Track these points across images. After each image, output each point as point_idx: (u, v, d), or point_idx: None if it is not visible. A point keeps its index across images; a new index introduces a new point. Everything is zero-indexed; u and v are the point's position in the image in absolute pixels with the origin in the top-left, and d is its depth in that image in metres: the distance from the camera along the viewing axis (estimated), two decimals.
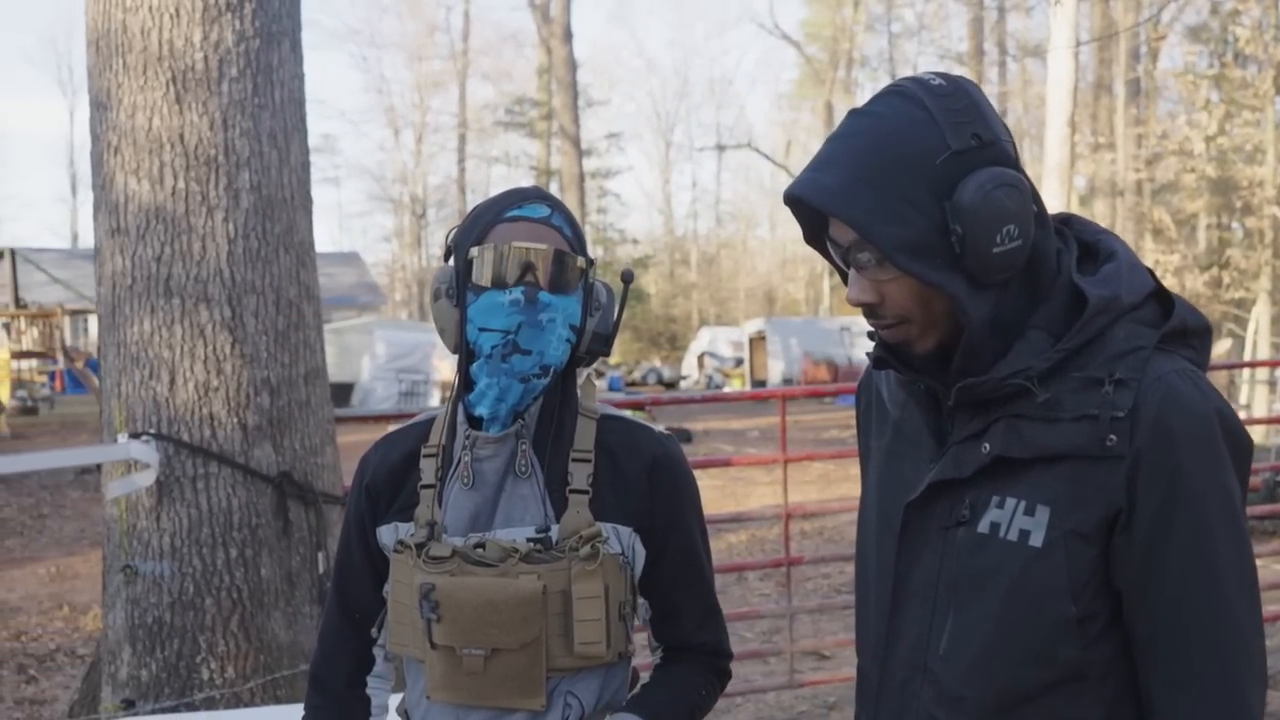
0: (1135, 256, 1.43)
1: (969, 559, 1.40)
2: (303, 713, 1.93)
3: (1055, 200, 12.22)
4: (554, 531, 1.70)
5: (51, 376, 28.75)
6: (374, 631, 1.89)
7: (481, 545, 1.69)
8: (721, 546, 9.30)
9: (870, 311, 1.41)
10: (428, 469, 1.77)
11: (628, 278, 1.90)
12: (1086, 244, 1.45)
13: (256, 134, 4.30)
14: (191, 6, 4.19)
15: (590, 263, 1.76)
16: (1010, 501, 1.37)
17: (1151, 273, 1.42)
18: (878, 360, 1.51)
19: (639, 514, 1.75)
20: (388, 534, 1.81)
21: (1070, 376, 1.35)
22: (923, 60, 46.63)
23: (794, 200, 1.40)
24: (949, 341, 1.40)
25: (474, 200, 54.11)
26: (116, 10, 4.23)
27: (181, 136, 4.21)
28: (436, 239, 55.49)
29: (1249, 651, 1.35)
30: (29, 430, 20.12)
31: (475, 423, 1.75)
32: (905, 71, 47.28)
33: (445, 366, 26.18)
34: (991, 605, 1.38)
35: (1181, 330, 1.41)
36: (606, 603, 1.70)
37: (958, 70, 41.87)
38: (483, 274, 1.69)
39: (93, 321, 35.54)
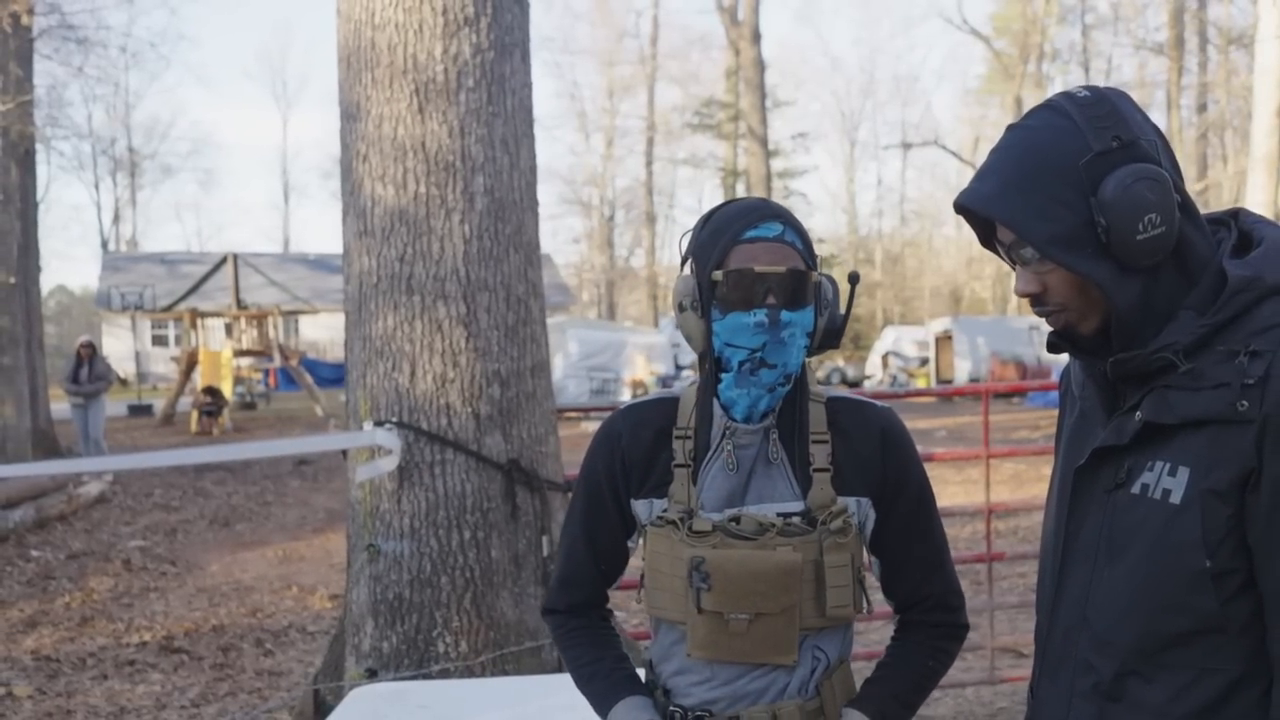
0: None
1: (1122, 518, 1.55)
2: (557, 631, 2.11)
3: (1262, 193, 11.70)
4: (802, 507, 1.88)
5: (265, 374, 30.22)
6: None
7: (737, 520, 1.87)
8: None
9: (1035, 300, 1.59)
10: (680, 449, 1.93)
11: (854, 279, 2.06)
12: (1245, 233, 1.58)
13: (490, 140, 4.56)
14: (433, 22, 4.48)
15: (816, 268, 1.91)
16: (1159, 464, 1.51)
17: None
18: (1051, 345, 1.67)
19: (874, 484, 1.92)
20: (643, 508, 1.98)
21: (1215, 350, 1.47)
22: (1118, 53, 44.95)
23: (961, 209, 1.59)
24: (1108, 325, 1.55)
25: (660, 202, 54.63)
26: (366, 28, 4.55)
27: (423, 144, 4.49)
28: (624, 240, 56.20)
29: None
30: (249, 424, 21.06)
31: (726, 408, 1.92)
32: (1099, 64, 45.65)
33: (637, 363, 26.68)
34: (1136, 558, 1.52)
35: None
36: (852, 569, 1.89)
37: (1155, 61, 40.19)
38: (728, 296, 1.84)
39: (304, 322, 37.33)
